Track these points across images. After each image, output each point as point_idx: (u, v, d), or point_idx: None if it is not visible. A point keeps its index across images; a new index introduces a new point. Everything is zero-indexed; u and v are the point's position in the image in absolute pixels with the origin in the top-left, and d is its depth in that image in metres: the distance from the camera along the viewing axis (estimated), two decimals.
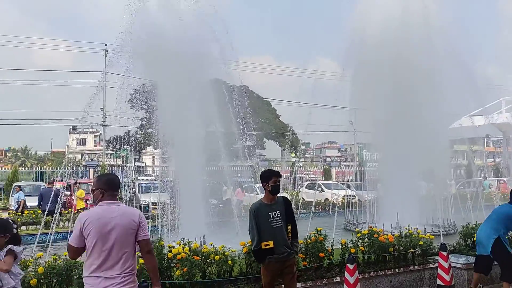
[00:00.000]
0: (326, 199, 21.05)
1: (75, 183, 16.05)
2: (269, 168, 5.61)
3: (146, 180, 22.60)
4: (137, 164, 34.42)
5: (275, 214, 4.60)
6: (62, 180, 18.96)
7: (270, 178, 4.67)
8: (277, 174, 4.75)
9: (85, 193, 15.56)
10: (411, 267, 7.06)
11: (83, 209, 13.92)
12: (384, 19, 14.21)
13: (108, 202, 3.38)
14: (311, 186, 23.89)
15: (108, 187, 3.42)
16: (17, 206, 15.78)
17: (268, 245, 4.47)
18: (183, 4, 11.08)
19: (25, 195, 16.87)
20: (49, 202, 12.42)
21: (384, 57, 13.76)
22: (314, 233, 6.60)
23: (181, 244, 6.22)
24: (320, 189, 22.05)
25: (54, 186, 14.98)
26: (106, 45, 30.71)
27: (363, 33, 14.50)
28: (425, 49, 13.62)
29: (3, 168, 42.50)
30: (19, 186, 18.41)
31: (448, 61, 14.38)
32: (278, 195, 4.79)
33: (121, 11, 10.74)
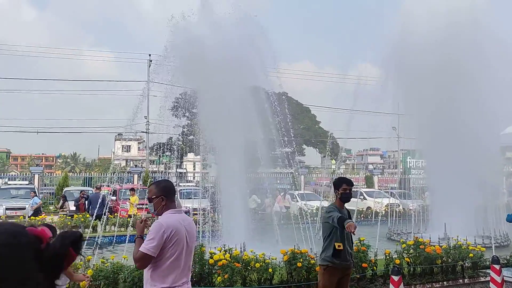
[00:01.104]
0: (369, 208, 20.52)
1: (132, 190, 16.53)
2: (342, 176, 5.74)
3: (187, 186, 23.05)
4: (178, 170, 35.21)
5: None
6: (108, 186, 19.73)
7: (340, 185, 4.75)
8: (349, 183, 4.83)
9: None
10: (460, 280, 6.72)
11: (129, 216, 14.38)
12: (429, 19, 13.73)
13: (176, 210, 3.40)
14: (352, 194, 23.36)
15: (168, 193, 3.38)
16: (32, 212, 15.62)
17: (340, 246, 4.50)
18: (223, 12, 11.28)
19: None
20: (97, 207, 12.94)
21: (429, 59, 13.28)
22: (356, 243, 6.44)
23: (222, 250, 6.27)
24: (362, 197, 21.52)
25: (101, 192, 15.58)
26: (150, 55, 31.77)
27: (407, 34, 14.08)
28: (472, 50, 13.02)
29: (54, 173, 44.91)
30: (34, 191, 18.61)
31: (498, 63, 13.64)
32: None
33: (164, 21, 11.10)
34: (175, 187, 4.26)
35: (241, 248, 7.14)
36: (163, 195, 3.35)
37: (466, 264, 6.94)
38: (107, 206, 12.79)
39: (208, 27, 11.36)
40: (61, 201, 17.06)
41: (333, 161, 44.14)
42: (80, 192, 17.78)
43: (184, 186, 22.74)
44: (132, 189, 16.68)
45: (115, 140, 64.88)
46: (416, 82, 14.07)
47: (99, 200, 13.49)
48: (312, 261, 6.00)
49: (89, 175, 30.91)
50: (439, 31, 13.28)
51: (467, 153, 12.72)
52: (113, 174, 22.86)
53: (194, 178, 42.65)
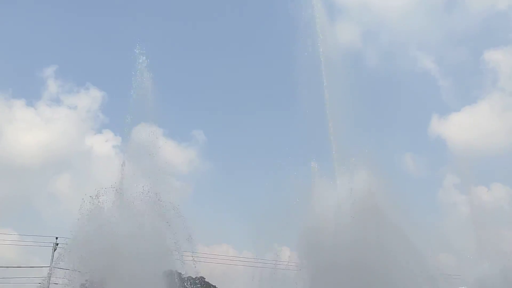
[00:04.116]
0: None
1: None
2: None
3: None
4: None
5: None
6: None
7: None
8: None
9: None
10: None
11: None
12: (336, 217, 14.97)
13: None
14: None
15: None
16: None
17: None
18: (138, 195, 11.51)
19: None
20: None
21: (340, 259, 14.04)
22: None
23: None
24: None
25: None
26: (56, 238, 29.56)
27: (317, 231, 15.09)
28: (380, 245, 14.09)
29: None
30: None
31: (402, 254, 14.69)
32: None
33: (77, 202, 11.01)
34: None
35: None
36: None
37: None
38: None
39: (121, 213, 11.37)
40: None
41: None
42: None
43: None
44: None
45: None
46: (328, 269, 14.48)
47: None
48: None
49: None
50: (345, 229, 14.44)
51: None
52: None
53: None
